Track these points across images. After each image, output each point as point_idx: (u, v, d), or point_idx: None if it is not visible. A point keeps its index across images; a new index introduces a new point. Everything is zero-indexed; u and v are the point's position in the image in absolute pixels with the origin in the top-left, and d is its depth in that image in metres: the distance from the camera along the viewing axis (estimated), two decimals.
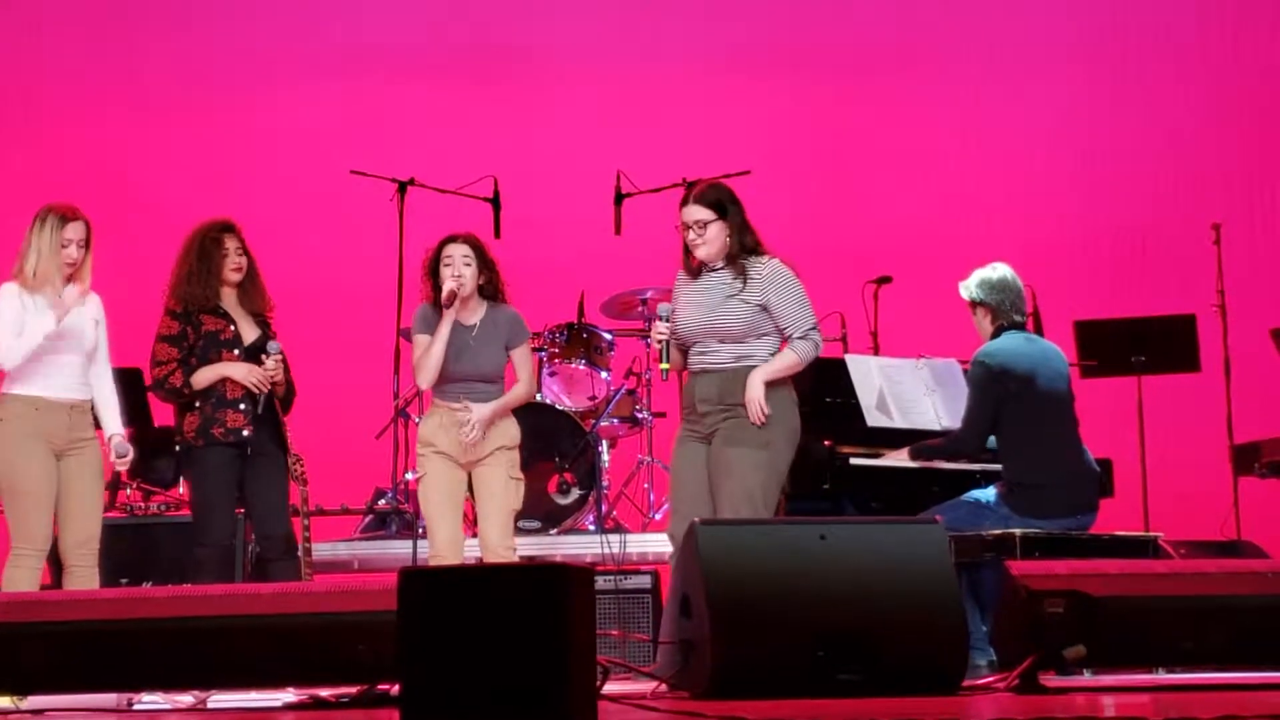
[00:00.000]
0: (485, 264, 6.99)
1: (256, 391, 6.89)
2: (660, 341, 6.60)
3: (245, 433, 6.89)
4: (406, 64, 11.58)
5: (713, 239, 6.55)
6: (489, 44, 11.60)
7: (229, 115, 11.55)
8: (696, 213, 6.56)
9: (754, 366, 6.50)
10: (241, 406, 6.90)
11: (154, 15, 11.66)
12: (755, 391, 6.43)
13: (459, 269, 6.90)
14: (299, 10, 11.76)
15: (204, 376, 6.90)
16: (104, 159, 11.33)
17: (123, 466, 6.87)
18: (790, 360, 6.52)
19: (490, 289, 7.01)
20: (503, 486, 6.94)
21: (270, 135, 11.50)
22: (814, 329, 6.55)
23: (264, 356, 6.93)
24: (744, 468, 6.42)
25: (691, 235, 6.56)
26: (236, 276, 7.01)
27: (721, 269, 6.58)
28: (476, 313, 6.99)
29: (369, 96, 11.51)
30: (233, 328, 6.97)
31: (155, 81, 11.54)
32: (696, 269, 6.62)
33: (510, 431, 7.02)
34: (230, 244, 7.01)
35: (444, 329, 6.88)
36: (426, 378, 6.94)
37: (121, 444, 6.78)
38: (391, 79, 11.56)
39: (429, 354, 6.89)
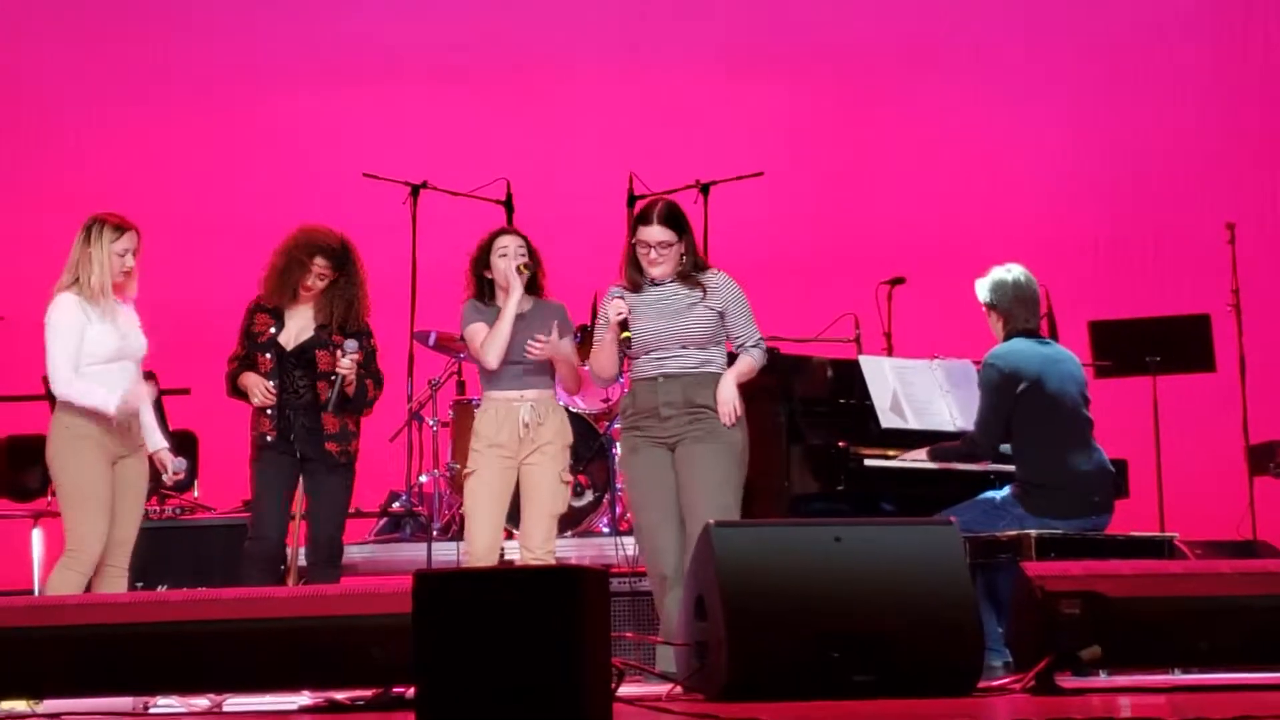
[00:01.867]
0: (535, 258, 7.04)
1: (258, 405, 6.90)
2: (622, 318, 6.62)
3: (269, 437, 6.91)
4: (419, 68, 11.59)
5: (672, 258, 6.67)
6: (501, 47, 11.60)
7: (241, 119, 11.57)
8: (660, 234, 6.65)
9: (713, 372, 6.64)
10: (269, 412, 6.91)
11: (167, 18, 11.68)
12: (730, 393, 6.59)
13: (513, 257, 6.94)
14: (311, 15, 11.77)
15: (240, 382, 6.96)
16: (117, 163, 11.35)
17: (178, 475, 6.85)
18: (750, 365, 6.69)
19: (538, 283, 7.06)
20: (550, 488, 6.93)
21: (283, 138, 11.51)
22: (762, 339, 6.77)
23: (339, 354, 6.90)
24: (716, 467, 6.54)
25: (653, 254, 6.65)
26: (306, 294, 6.98)
27: (670, 283, 6.69)
28: (524, 304, 6.99)
29: (382, 100, 11.52)
30: (272, 330, 6.95)
31: (168, 85, 11.56)
32: (638, 284, 6.71)
33: (562, 427, 7.02)
34: (318, 263, 6.95)
35: (512, 302, 6.88)
36: (495, 355, 6.88)
37: (167, 458, 6.77)
38: (404, 83, 11.56)
39: (498, 331, 6.87)
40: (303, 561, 7.51)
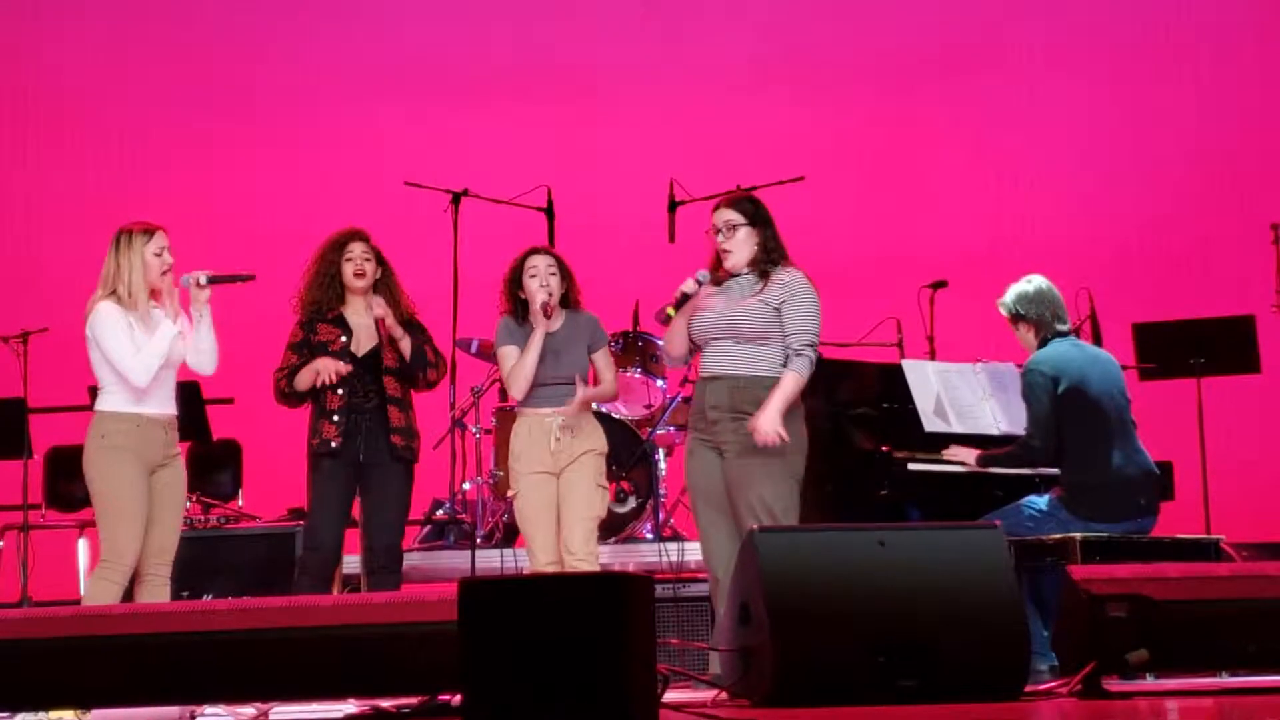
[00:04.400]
0: (565, 275, 7.08)
1: (328, 382, 6.89)
2: (682, 293, 6.57)
3: (334, 444, 6.93)
4: (459, 77, 11.63)
5: (740, 244, 6.60)
6: (541, 55, 11.64)
7: (283, 130, 11.64)
8: (727, 214, 6.63)
9: (763, 377, 6.47)
10: (335, 418, 6.93)
11: (211, 35, 11.75)
12: (768, 426, 6.35)
13: (546, 279, 6.99)
14: (352, 26, 11.83)
15: (302, 378, 6.96)
16: (160, 176, 11.42)
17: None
18: (793, 386, 6.43)
19: (570, 298, 7.10)
20: (587, 493, 6.95)
21: (325, 148, 11.57)
22: (812, 346, 6.50)
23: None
24: (760, 478, 6.42)
25: (720, 238, 6.61)
26: (358, 282, 7.04)
27: (745, 275, 6.63)
28: (557, 320, 7.05)
29: (423, 109, 11.56)
30: (344, 338, 6.99)
31: (211, 100, 11.63)
32: (722, 278, 6.66)
33: (596, 436, 7.05)
34: (356, 249, 7.05)
35: (536, 338, 6.95)
36: (520, 387, 6.98)
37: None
38: (445, 92, 11.61)
39: (522, 364, 6.95)
40: (352, 569, 7.53)
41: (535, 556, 7.01)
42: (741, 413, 6.46)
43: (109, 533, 6.53)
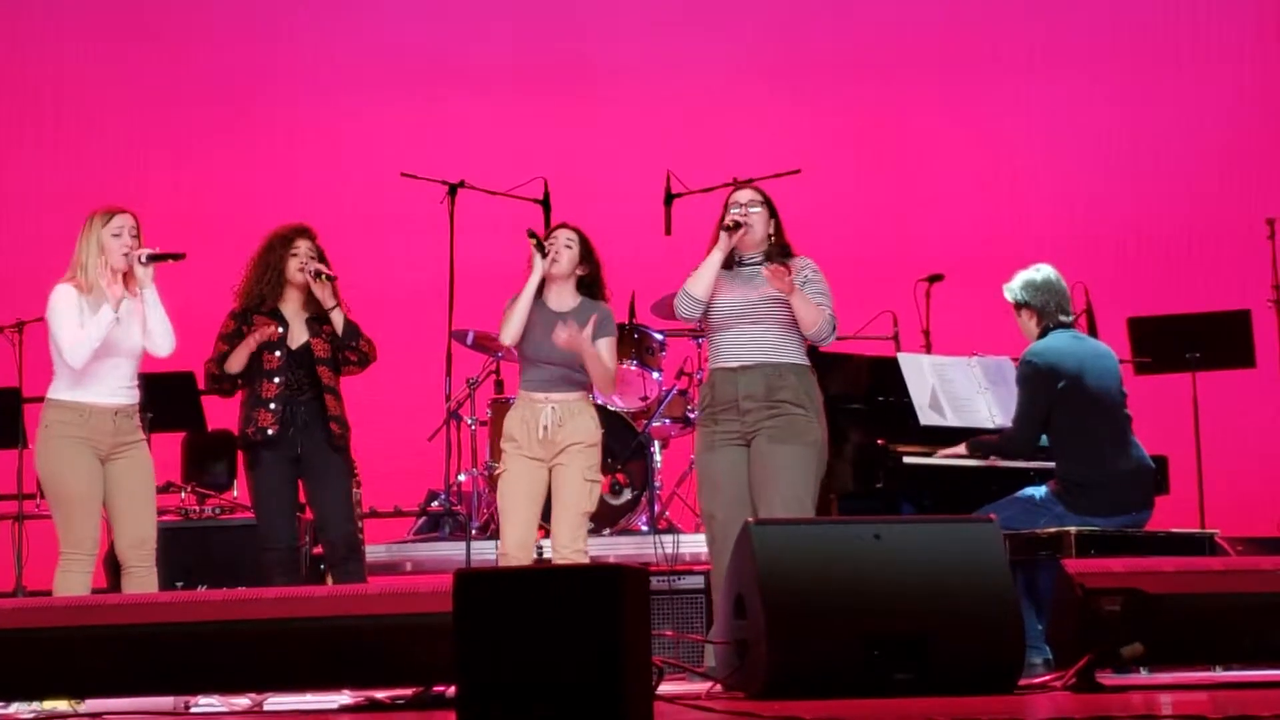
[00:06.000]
0: (587, 256, 7.00)
1: (270, 338, 6.84)
2: (735, 221, 6.68)
3: (270, 432, 6.85)
4: (456, 70, 11.62)
5: (759, 223, 6.76)
6: (539, 49, 11.63)
7: (282, 122, 11.62)
8: (750, 194, 6.85)
9: (792, 362, 6.65)
10: (272, 406, 6.88)
11: (209, 24, 11.74)
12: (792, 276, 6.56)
13: (559, 248, 6.92)
14: (350, 20, 11.82)
15: (234, 358, 6.87)
16: (157, 167, 11.42)
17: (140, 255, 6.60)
18: (819, 311, 6.61)
19: (589, 282, 7.01)
20: (576, 487, 6.85)
21: (322, 139, 11.55)
22: (834, 318, 6.70)
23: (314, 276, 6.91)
24: (794, 466, 6.53)
25: (739, 211, 6.74)
26: (302, 278, 6.97)
27: (758, 263, 6.72)
28: (570, 302, 6.96)
29: (420, 101, 11.55)
30: (280, 330, 6.95)
31: (210, 90, 11.61)
32: (727, 262, 6.72)
33: (588, 427, 6.91)
34: (301, 245, 6.98)
35: (532, 279, 6.86)
36: (510, 332, 6.86)
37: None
38: (442, 84, 11.59)
39: (514, 307, 6.85)
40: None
41: (503, 537, 6.89)
42: (776, 401, 6.59)
43: (64, 526, 6.45)
